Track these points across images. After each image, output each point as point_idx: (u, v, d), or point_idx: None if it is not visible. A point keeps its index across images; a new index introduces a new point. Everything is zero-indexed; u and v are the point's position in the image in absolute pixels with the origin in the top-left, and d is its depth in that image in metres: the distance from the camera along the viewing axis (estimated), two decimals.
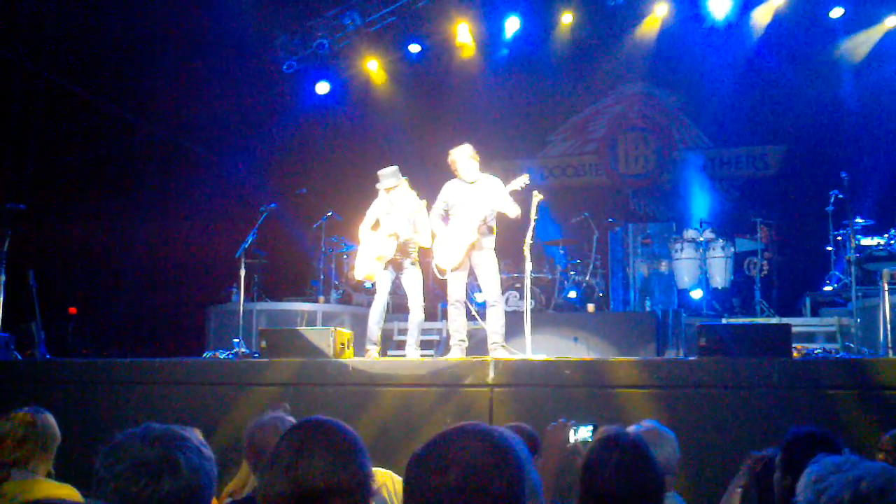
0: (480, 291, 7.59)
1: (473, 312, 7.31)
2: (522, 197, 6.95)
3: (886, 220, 8.66)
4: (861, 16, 11.10)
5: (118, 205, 10.47)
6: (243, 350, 7.56)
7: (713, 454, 4.89)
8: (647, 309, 9.82)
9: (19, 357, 7.06)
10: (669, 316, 9.03)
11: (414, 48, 12.26)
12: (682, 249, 9.77)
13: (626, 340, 8.59)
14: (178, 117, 11.08)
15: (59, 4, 9.57)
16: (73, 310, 9.94)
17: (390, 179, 7.09)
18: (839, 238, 8.93)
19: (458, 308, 6.98)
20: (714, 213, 11.22)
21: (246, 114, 11.52)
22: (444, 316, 8.22)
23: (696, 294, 9.72)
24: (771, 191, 11.74)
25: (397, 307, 8.61)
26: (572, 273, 10.18)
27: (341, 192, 10.86)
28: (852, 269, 7.70)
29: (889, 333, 6.41)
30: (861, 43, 11.20)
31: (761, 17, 11.37)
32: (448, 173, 7.14)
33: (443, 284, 7.23)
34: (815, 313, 9.08)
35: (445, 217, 7.07)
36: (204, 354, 8.49)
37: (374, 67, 12.44)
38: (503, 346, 6.78)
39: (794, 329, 6.03)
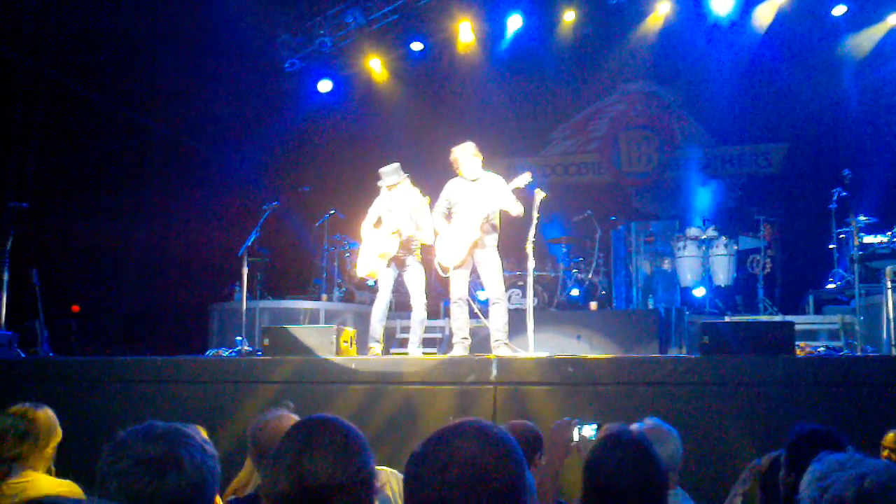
0: (483, 289, 7.59)
1: (476, 310, 7.31)
2: (525, 195, 6.95)
3: (890, 218, 8.63)
4: (864, 13, 11.08)
5: (121, 203, 10.48)
6: (246, 348, 7.57)
7: (716, 452, 4.89)
8: (650, 307, 9.81)
9: (23, 355, 7.07)
10: (672, 314, 9.02)
11: (416, 46, 12.26)
12: (684, 247, 9.77)
13: (629, 338, 8.58)
14: (180, 116, 11.08)
15: (60, 3, 9.57)
16: (76, 308, 9.96)
17: (392, 177, 7.09)
18: (842, 236, 8.92)
19: (460, 306, 6.98)
20: (717, 211, 11.21)
21: (248, 112, 11.53)
22: (447, 314, 8.21)
23: (699, 292, 9.72)
24: (774, 188, 11.73)
25: (400, 305, 8.61)
26: (575, 271, 10.18)
27: (344, 189, 10.85)
28: (855, 266, 7.69)
29: (892, 331, 6.41)
30: (864, 40, 11.18)
31: (764, 15, 11.35)
32: (450, 171, 7.14)
33: (445, 282, 7.23)
34: (818, 311, 9.07)
35: (448, 215, 7.07)
36: (207, 353, 8.51)
37: (376, 65, 12.44)
38: (506, 343, 6.77)
39: (797, 327, 6.01)
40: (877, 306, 7.27)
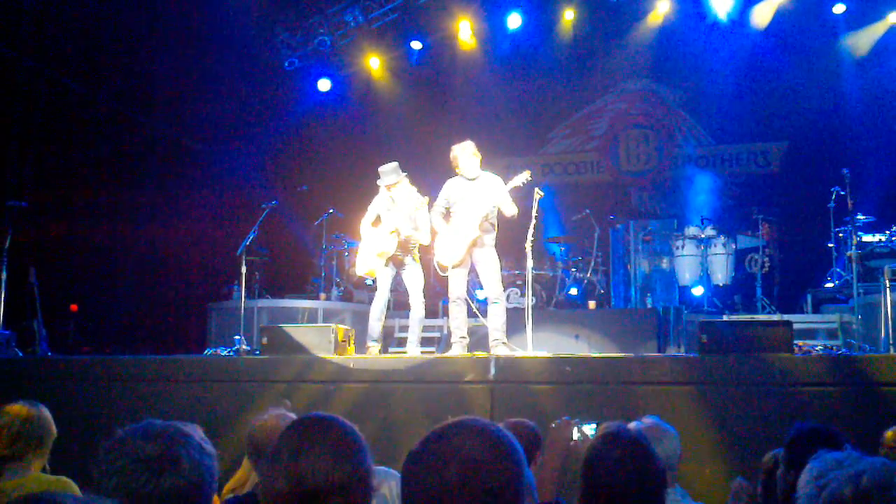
0: (481, 288, 7.59)
1: (474, 309, 7.31)
2: (524, 194, 6.95)
3: (888, 217, 8.65)
4: (863, 12, 11.07)
5: (119, 202, 10.48)
6: (244, 347, 7.56)
7: (714, 450, 4.89)
8: (649, 306, 9.82)
9: (20, 354, 7.07)
10: (671, 313, 9.02)
11: (416, 45, 12.27)
12: (683, 246, 9.78)
13: (628, 337, 8.58)
14: (179, 114, 11.08)
15: (60, 3, 9.57)
16: (74, 307, 9.95)
17: (390, 176, 7.08)
18: (841, 235, 8.92)
19: (459, 305, 6.97)
20: (715, 210, 11.21)
21: (247, 111, 11.52)
22: (445, 313, 8.21)
23: (698, 291, 9.72)
24: (772, 187, 11.72)
25: (398, 304, 8.61)
26: (573, 270, 10.17)
27: (342, 188, 10.85)
28: (854, 265, 7.69)
29: (890, 330, 6.40)
30: (863, 39, 11.17)
31: (763, 14, 11.35)
32: (449, 170, 7.13)
33: (444, 281, 7.23)
34: (816, 310, 9.07)
35: (447, 214, 7.07)
36: (205, 352, 8.50)
37: (375, 64, 12.44)
38: (504, 342, 6.77)
39: (795, 326, 6.02)
40: (875, 305, 7.27)
